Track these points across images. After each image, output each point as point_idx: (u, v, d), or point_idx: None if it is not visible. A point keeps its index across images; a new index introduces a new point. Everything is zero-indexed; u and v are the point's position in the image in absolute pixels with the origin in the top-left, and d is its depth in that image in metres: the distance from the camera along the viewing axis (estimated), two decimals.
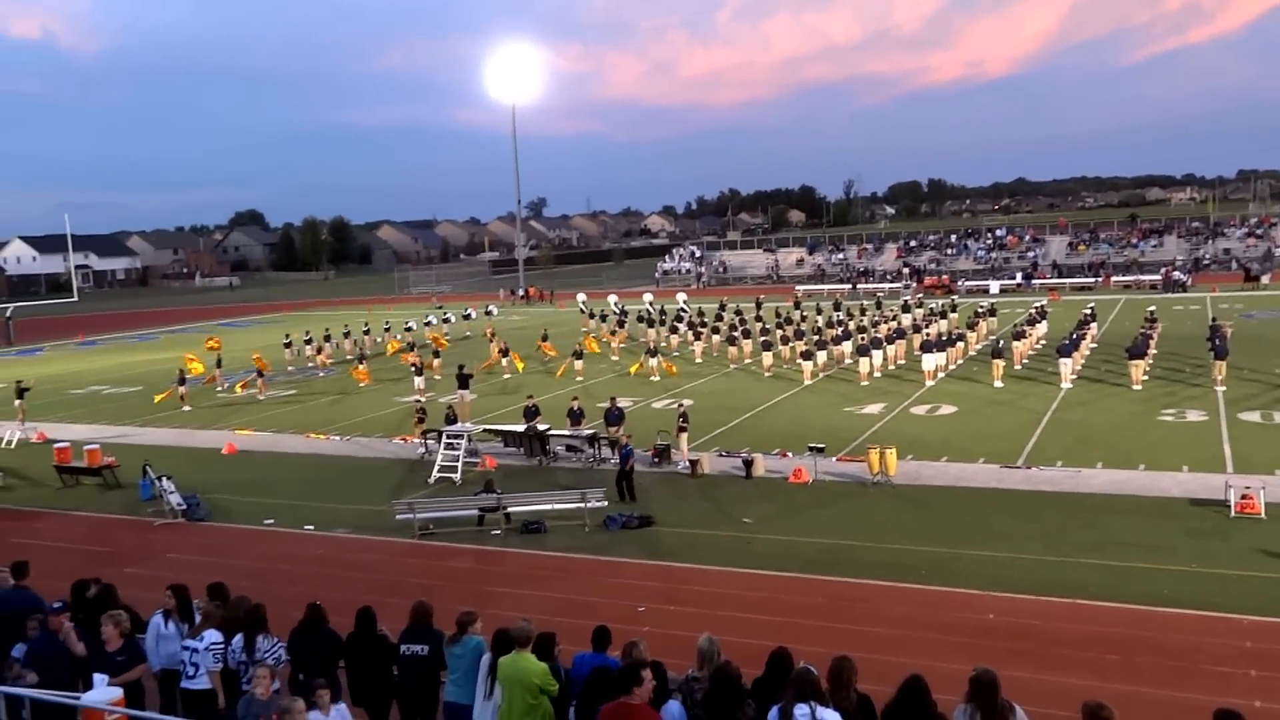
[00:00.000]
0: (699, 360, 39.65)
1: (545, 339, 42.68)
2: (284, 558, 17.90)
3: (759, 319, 45.54)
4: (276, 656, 9.19)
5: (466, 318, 56.92)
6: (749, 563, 16.03)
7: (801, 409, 28.84)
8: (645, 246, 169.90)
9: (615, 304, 55.87)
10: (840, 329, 39.51)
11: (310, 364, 44.45)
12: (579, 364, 36.84)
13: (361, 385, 37.50)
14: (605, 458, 23.36)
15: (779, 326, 42.24)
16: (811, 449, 21.48)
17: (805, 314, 47.97)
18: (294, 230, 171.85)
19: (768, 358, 35.90)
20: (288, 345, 46.22)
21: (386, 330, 52.29)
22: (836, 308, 48.85)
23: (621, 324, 48.79)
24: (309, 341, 46.73)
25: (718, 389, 33.21)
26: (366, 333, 50.87)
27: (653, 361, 36.11)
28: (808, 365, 33.70)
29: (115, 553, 18.64)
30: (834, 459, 22.06)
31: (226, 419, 32.96)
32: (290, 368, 44.42)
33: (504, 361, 38.97)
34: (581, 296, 60.91)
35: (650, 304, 56.05)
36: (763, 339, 37.88)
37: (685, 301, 55.42)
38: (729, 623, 13.23)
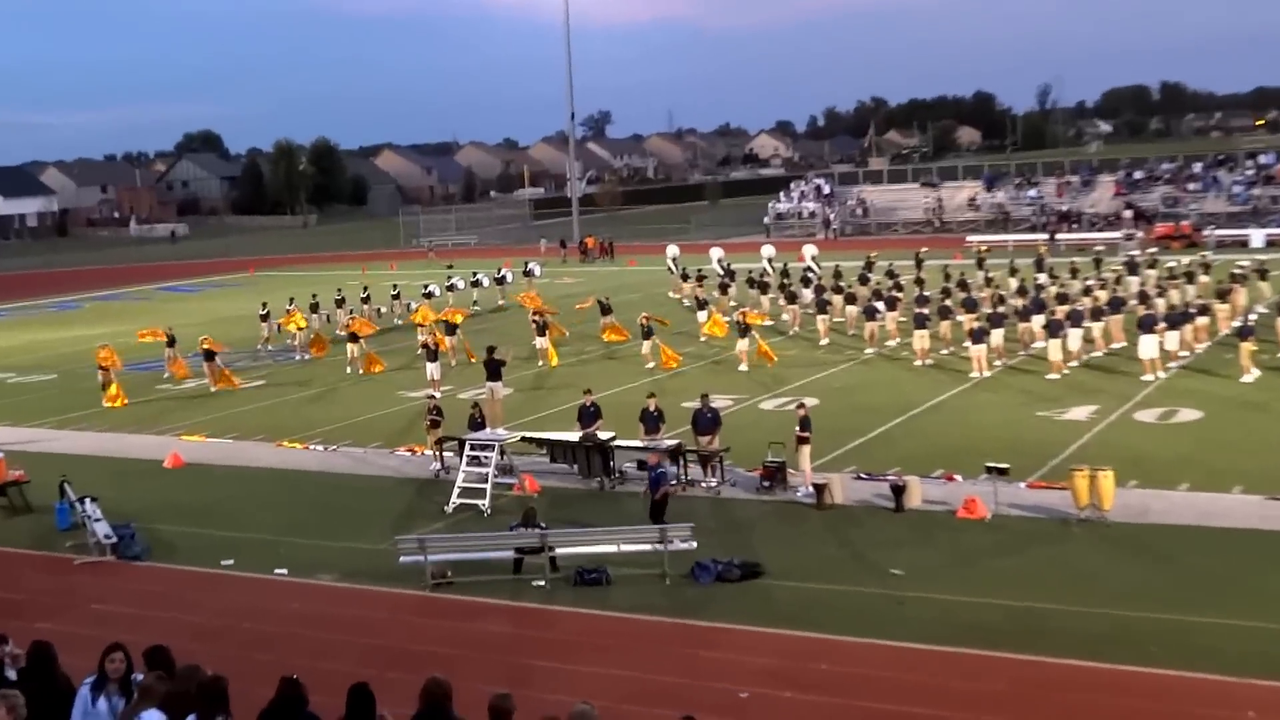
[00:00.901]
0: (824, 342, 39.57)
1: (606, 311, 42.70)
2: (248, 613, 18.24)
3: (919, 282, 44.50)
4: None
5: (500, 282, 57.34)
6: (899, 632, 16.08)
7: (975, 412, 28.95)
8: (752, 179, 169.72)
9: (720, 261, 55.67)
10: (1030, 298, 38.82)
11: (292, 339, 45.29)
12: (645, 346, 37.21)
13: (369, 374, 38.55)
14: (694, 479, 23.65)
15: (944, 294, 41.44)
16: (990, 471, 21.44)
17: (991, 275, 46.65)
18: (262, 159, 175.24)
19: (922, 338, 35.58)
20: (264, 318, 46.98)
21: (395, 298, 52.83)
22: (1039, 267, 47.91)
23: (725, 288, 48.59)
24: (291, 310, 47.43)
25: (854, 382, 33.32)
26: (366, 300, 51.47)
27: (742, 343, 36.08)
28: (978, 350, 33.48)
29: (23, 601, 19.06)
30: (1022, 485, 22.11)
31: (170, 419, 33.72)
32: (261, 346, 45.49)
33: (538, 342, 39.26)
34: (673, 250, 60.66)
35: (770, 261, 55.56)
36: (918, 310, 37.35)
37: (814, 258, 54.88)
38: (872, 717, 13.30)
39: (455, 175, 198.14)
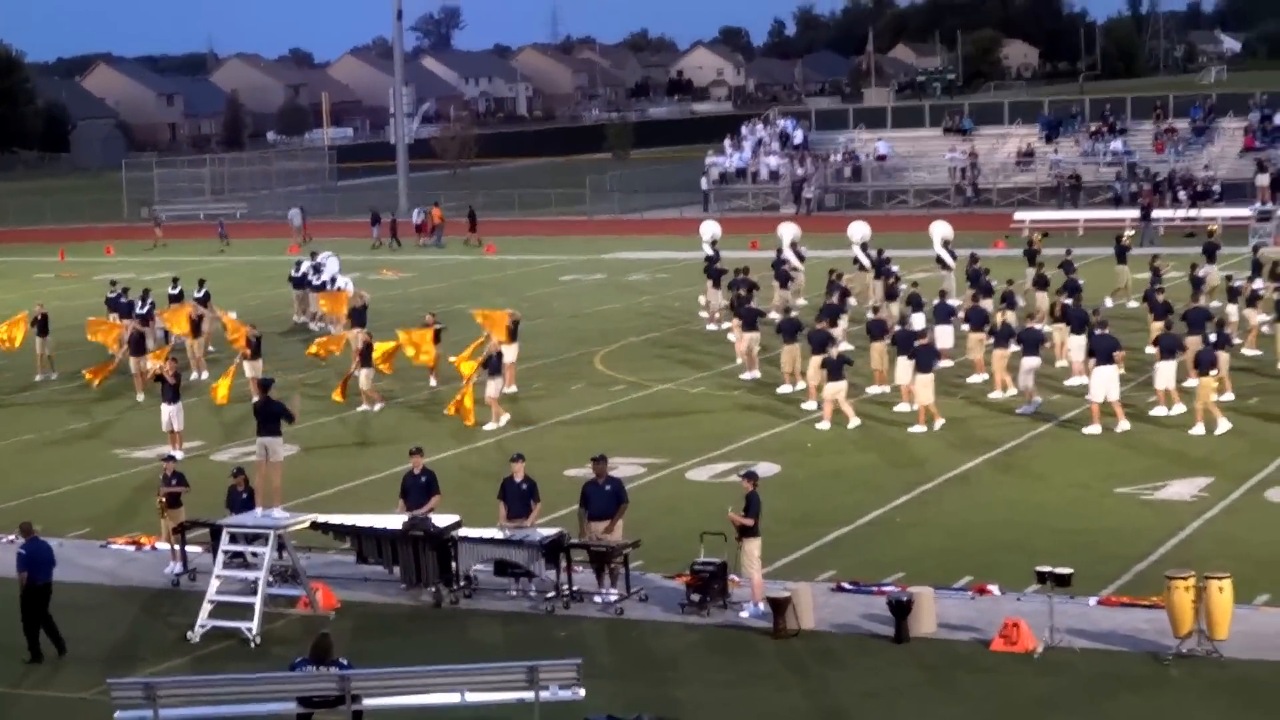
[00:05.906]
0: (748, 373, 36.20)
1: (437, 338, 37.68)
2: None
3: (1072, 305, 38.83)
4: None
5: (317, 282, 49.27)
6: None
7: (1020, 487, 27.35)
8: (680, 119, 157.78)
9: (714, 243, 50.20)
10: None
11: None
12: (363, 378, 34.14)
13: None
14: (582, 590, 21.88)
15: (977, 299, 36.83)
16: (1042, 578, 19.87)
17: (1047, 276, 41.78)
18: None
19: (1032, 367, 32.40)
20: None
21: (116, 305, 45.42)
22: (1122, 248, 44.45)
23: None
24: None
25: (836, 438, 31.02)
26: (39, 323, 43.80)
27: (364, 375, 33.87)
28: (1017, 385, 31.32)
29: None
30: (1091, 601, 20.76)
31: None
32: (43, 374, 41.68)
33: (361, 375, 35.48)
34: (711, 230, 52.34)
35: (863, 247, 48.74)
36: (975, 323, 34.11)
37: (795, 243, 49.06)
38: None
39: (212, 106, 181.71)
